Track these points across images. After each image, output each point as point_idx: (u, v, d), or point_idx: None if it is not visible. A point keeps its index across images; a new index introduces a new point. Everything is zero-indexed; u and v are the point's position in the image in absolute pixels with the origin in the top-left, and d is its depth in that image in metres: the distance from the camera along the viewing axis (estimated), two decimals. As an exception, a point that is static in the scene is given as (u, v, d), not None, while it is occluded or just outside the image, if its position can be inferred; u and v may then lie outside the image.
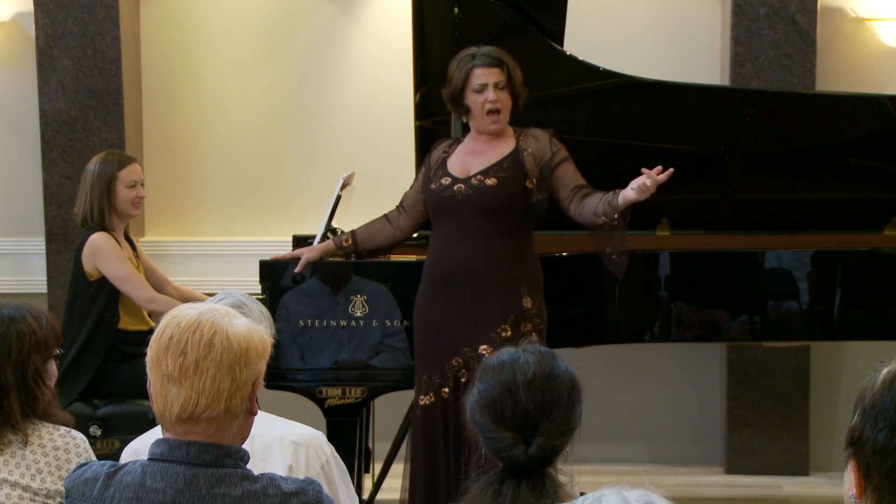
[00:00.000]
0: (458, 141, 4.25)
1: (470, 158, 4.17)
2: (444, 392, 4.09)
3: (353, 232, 4.36)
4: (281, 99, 5.79)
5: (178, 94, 5.81)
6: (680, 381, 5.78)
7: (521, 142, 4.15)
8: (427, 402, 4.10)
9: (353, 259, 4.36)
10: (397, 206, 4.35)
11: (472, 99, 4.10)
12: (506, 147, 4.15)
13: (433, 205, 4.18)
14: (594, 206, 4.07)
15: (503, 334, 4.02)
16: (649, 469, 5.73)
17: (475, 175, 4.11)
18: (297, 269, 4.30)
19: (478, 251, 4.07)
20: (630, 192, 3.95)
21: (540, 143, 4.15)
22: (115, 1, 5.50)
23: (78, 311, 4.69)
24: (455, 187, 4.11)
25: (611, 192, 4.03)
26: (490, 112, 4.09)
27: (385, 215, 4.36)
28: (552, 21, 4.59)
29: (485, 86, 4.07)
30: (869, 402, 1.75)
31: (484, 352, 4.00)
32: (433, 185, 4.16)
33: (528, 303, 4.06)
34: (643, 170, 3.94)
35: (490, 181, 4.08)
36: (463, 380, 4.04)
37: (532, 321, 4.06)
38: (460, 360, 4.07)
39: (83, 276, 4.67)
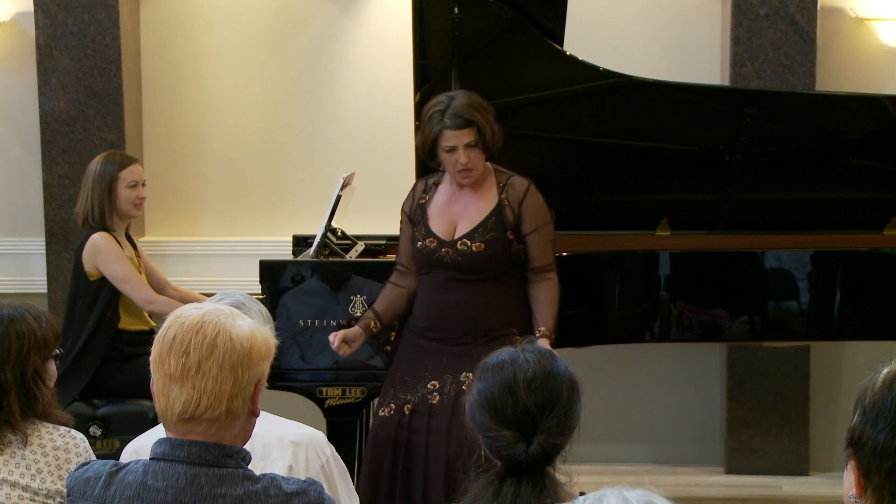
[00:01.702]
0: (436, 184, 4.17)
1: (452, 212, 4.12)
2: (407, 408, 4.04)
3: (374, 311, 4.17)
4: (281, 99, 5.79)
5: (178, 94, 5.80)
6: (680, 381, 5.78)
7: (503, 193, 4.10)
8: (385, 413, 4.06)
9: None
10: (396, 267, 4.24)
11: (444, 157, 4.05)
12: (489, 198, 4.11)
13: (421, 261, 4.14)
14: (535, 312, 4.09)
15: None
16: (649, 469, 5.73)
17: (461, 239, 4.07)
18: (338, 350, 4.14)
19: (468, 300, 4.07)
20: None
21: (517, 194, 4.09)
22: (115, 1, 5.50)
23: (78, 310, 4.70)
24: (443, 251, 4.08)
25: (540, 325, 4.06)
26: (461, 171, 4.04)
27: (391, 282, 4.22)
28: (552, 21, 4.58)
29: (454, 148, 4.01)
30: (869, 402, 1.75)
31: (465, 378, 3.99)
32: (419, 244, 4.12)
33: (518, 342, 4.04)
34: None
35: (476, 246, 4.05)
36: (432, 402, 4.02)
37: None
38: (436, 383, 4.04)
39: (83, 275, 4.68)
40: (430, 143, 4.05)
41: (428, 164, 4.18)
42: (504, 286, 4.11)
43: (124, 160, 4.77)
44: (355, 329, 4.13)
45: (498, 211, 4.08)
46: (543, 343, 3.96)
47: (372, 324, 4.15)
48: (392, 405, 4.06)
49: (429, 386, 4.05)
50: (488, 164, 4.13)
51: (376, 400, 4.27)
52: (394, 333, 4.26)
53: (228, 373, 2.10)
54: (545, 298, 4.09)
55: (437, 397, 4.02)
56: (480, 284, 4.08)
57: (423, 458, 3.99)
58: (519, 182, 4.12)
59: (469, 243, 4.07)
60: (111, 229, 4.69)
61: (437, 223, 4.12)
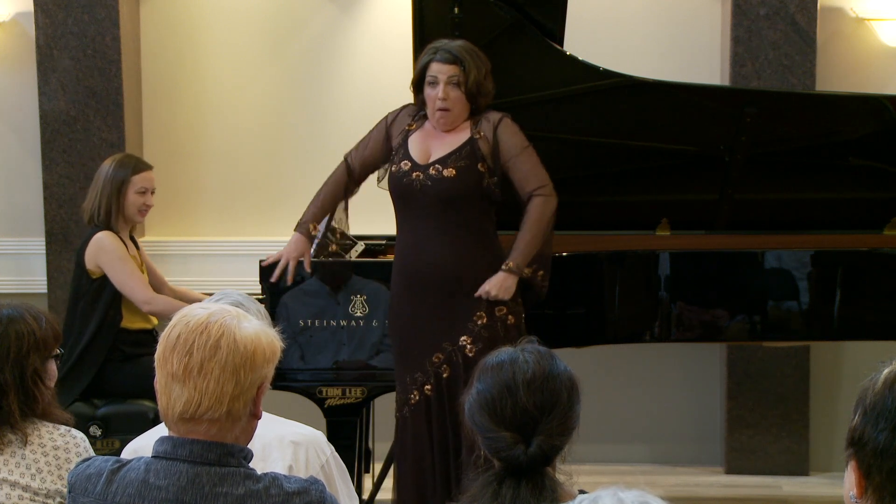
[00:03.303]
0: (425, 116, 4.22)
1: (430, 141, 4.17)
2: (427, 389, 4.10)
3: (312, 215, 4.34)
4: (281, 99, 5.79)
5: (178, 94, 5.80)
6: (680, 381, 5.78)
7: (476, 127, 4.14)
8: (414, 400, 4.12)
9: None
10: (346, 163, 4.35)
11: (427, 92, 4.14)
12: (465, 132, 4.16)
13: (393, 189, 4.20)
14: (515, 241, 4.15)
15: (479, 322, 4.06)
16: (649, 469, 5.73)
17: (434, 164, 4.12)
18: (289, 280, 4.28)
19: (443, 249, 4.08)
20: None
21: (490, 124, 4.14)
22: (115, 1, 5.50)
23: (81, 309, 4.70)
24: (413, 174, 4.12)
25: (509, 258, 4.09)
26: (439, 109, 4.10)
27: (334, 178, 4.37)
28: (552, 21, 4.58)
29: (436, 80, 4.09)
30: (870, 402, 1.75)
31: (465, 342, 4.05)
32: (393, 168, 4.18)
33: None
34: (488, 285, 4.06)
35: (448, 172, 4.09)
36: (445, 375, 4.08)
37: (506, 304, 4.09)
38: (441, 355, 4.08)
39: (86, 274, 4.68)
40: (419, 76, 4.14)
41: (415, 101, 4.22)
42: (477, 232, 4.13)
43: (139, 165, 4.79)
44: (300, 240, 4.29)
45: (471, 143, 4.13)
46: (509, 279, 4.03)
47: (311, 227, 4.32)
48: (415, 392, 4.11)
49: (434, 360, 4.09)
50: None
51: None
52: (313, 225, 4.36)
53: (230, 375, 2.10)
54: (525, 222, 4.12)
55: (448, 370, 4.08)
56: (453, 233, 4.09)
57: (452, 428, 4.05)
58: (493, 113, 4.18)
59: (441, 168, 4.09)
60: (116, 230, 4.70)
61: (414, 149, 4.18)
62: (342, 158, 4.45)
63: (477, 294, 4.06)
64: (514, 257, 4.09)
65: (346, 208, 4.59)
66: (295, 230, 4.35)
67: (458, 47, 4.11)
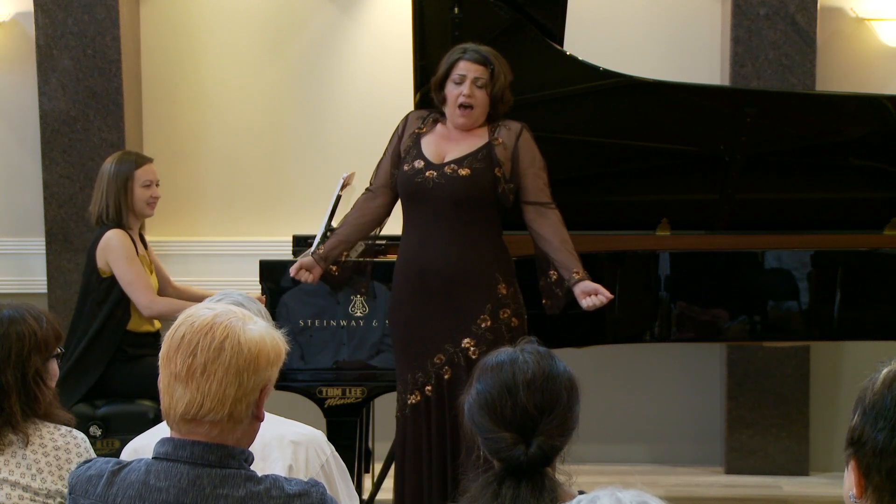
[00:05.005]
0: (436, 120, 4.22)
1: (445, 143, 4.16)
2: (428, 390, 4.09)
3: (330, 254, 4.22)
4: (281, 99, 5.79)
5: (178, 94, 5.81)
6: (680, 381, 5.78)
7: (495, 132, 4.14)
8: (414, 401, 4.10)
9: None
10: (367, 191, 4.27)
11: (450, 89, 4.12)
12: (480, 138, 4.15)
13: (403, 188, 4.16)
14: (553, 255, 4.08)
15: (483, 325, 4.04)
16: (649, 469, 5.73)
17: (449, 164, 4.10)
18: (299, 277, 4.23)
19: (450, 249, 4.07)
20: (581, 300, 4.03)
21: (511, 133, 4.14)
22: (115, 1, 5.51)
23: (89, 307, 4.71)
24: (427, 173, 4.10)
25: (572, 269, 4.04)
26: (461, 106, 4.09)
27: (359, 207, 4.26)
28: (552, 21, 4.59)
29: (464, 78, 4.08)
30: (869, 402, 1.75)
31: (468, 345, 4.04)
32: (406, 167, 4.15)
33: (503, 289, 4.08)
34: (596, 297, 4.01)
35: (463, 171, 4.07)
36: (446, 377, 4.06)
37: (510, 307, 4.08)
38: (442, 357, 4.07)
39: (96, 272, 4.69)
40: (442, 76, 4.12)
41: (436, 100, 4.18)
42: (485, 234, 4.11)
43: (139, 159, 4.80)
44: (316, 269, 4.19)
45: (488, 147, 4.12)
46: (586, 285, 4.01)
47: (334, 270, 4.23)
48: (417, 393, 4.10)
49: (436, 361, 4.07)
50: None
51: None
52: (346, 254, 4.28)
53: (234, 377, 2.09)
54: (558, 242, 4.09)
55: (449, 371, 4.06)
56: (461, 233, 4.08)
57: (450, 431, 4.05)
58: (512, 123, 4.18)
59: (456, 168, 4.08)
60: (127, 227, 4.72)
61: (428, 149, 4.16)
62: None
63: (588, 307, 4.03)
64: (577, 264, 4.07)
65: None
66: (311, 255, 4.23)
67: (487, 50, 4.13)
